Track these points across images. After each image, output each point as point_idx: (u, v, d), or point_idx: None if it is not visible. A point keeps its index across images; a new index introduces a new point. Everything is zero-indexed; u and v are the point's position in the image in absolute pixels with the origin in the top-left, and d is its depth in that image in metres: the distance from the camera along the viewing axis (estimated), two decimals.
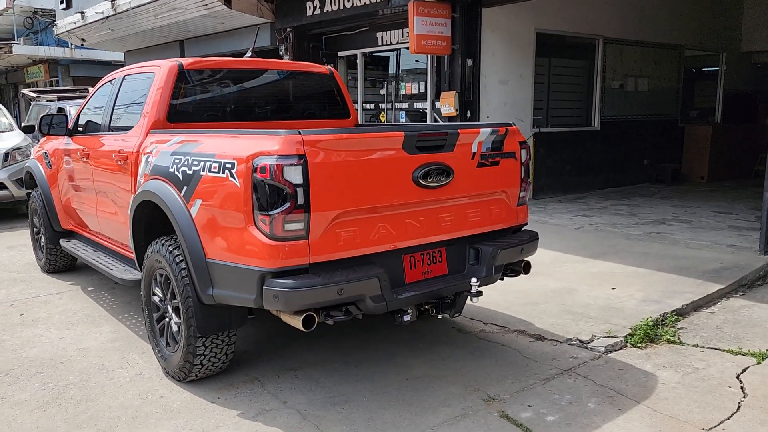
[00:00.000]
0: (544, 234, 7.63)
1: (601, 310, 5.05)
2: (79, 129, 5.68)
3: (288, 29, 11.63)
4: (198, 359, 3.73)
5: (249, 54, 5.10)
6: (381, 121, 11.20)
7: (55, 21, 18.75)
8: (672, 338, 4.52)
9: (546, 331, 4.71)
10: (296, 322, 3.22)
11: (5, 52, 23.69)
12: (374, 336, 4.66)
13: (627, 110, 11.82)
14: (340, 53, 11.84)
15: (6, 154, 9.60)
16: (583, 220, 8.45)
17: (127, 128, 4.63)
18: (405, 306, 3.52)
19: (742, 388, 3.79)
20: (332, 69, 5.30)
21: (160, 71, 4.49)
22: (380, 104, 11.24)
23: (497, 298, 5.40)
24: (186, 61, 4.55)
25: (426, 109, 10.03)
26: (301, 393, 3.80)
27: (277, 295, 3.11)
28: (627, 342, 4.46)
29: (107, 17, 14.39)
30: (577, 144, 10.94)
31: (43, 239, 6.53)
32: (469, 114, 9.03)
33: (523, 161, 4.09)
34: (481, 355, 4.33)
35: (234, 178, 3.25)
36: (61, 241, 6.10)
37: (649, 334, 4.53)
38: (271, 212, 3.08)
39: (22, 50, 23.48)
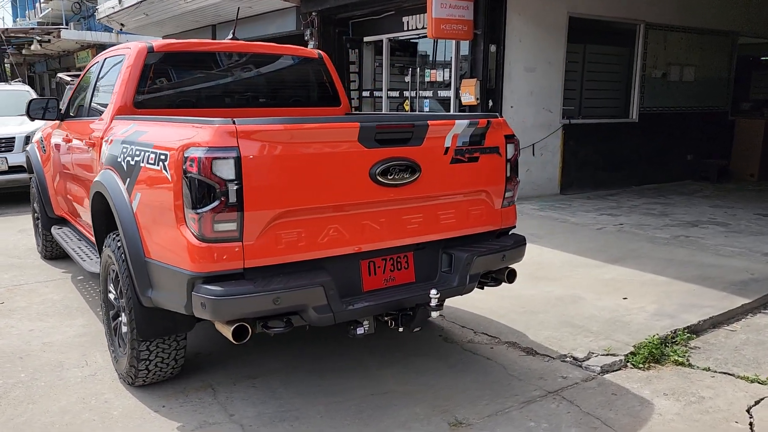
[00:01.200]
0: (561, 234, 7.15)
1: (606, 323, 4.56)
2: (71, 114, 5.51)
3: (313, 13, 11.29)
4: (143, 364, 3.46)
5: (230, 37, 4.79)
6: (405, 110, 10.78)
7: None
8: (680, 359, 4.02)
9: (539, 344, 4.27)
10: (227, 333, 2.90)
11: (54, 37, 24.21)
12: (348, 341, 4.31)
13: (670, 101, 11.05)
14: (366, 39, 11.45)
15: (27, 138, 9.62)
16: (607, 219, 7.87)
17: (101, 113, 4.41)
18: (357, 317, 3.16)
19: (750, 424, 3.29)
20: (321, 53, 4.94)
21: (129, 53, 4.23)
22: (405, 92, 10.81)
23: (494, 304, 4.98)
24: (157, 42, 4.27)
25: (450, 97, 9.56)
26: (253, 405, 3.49)
27: (204, 302, 2.80)
28: (628, 362, 3.99)
29: (141, 2, 14.38)
30: (613, 137, 10.28)
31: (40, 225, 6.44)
32: (491, 103, 8.53)
33: (509, 157, 3.66)
34: (462, 370, 3.93)
35: (166, 170, 2.95)
36: (53, 228, 5.97)
37: (655, 353, 4.04)
38: (199, 210, 2.76)
39: (70, 35, 23.95)
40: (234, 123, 2.77)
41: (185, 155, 2.80)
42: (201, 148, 2.74)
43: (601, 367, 3.90)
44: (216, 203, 2.75)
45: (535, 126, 9.08)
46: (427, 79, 10.24)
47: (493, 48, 8.34)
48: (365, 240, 3.17)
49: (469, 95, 8.37)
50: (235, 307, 2.80)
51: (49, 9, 27.46)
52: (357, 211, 3.11)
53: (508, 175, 3.66)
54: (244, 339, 2.90)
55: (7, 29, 25.36)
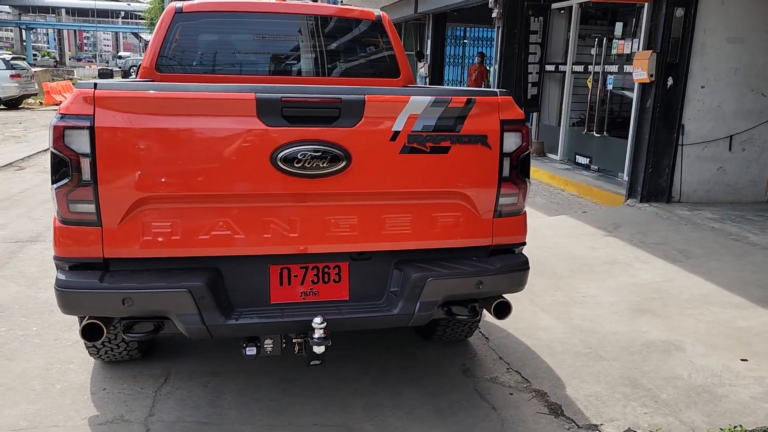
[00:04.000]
0: (720, 255, 5.46)
1: (687, 391, 3.27)
2: None
3: None
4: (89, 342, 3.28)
5: None
6: (587, 87, 9.34)
7: None
8: None
9: (572, 403, 3.21)
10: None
11: None
12: (353, 351, 3.71)
13: None
14: (555, 5, 10.12)
15: None
16: None
17: None
18: (242, 335, 2.56)
19: None
20: (382, 14, 4.26)
21: (162, 14, 4.05)
22: (590, 66, 9.35)
23: (558, 336, 3.94)
24: (187, 3, 4.02)
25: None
26: (182, 408, 3.12)
27: (55, 292, 2.47)
28: None
29: None
30: None
31: None
32: (671, 81, 6.85)
33: (508, 150, 2.67)
34: (446, 417, 3.10)
35: None
36: None
37: None
38: (54, 187, 2.42)
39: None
40: (94, 88, 2.35)
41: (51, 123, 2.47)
42: (58, 115, 2.38)
43: None
44: (67, 180, 2.37)
45: (737, 113, 7.12)
46: (613, 52, 8.71)
47: (679, 12, 6.64)
48: (270, 242, 2.54)
49: (641, 71, 6.82)
50: (75, 303, 2.43)
51: None
52: (255, 204, 2.50)
53: (506, 174, 2.68)
54: (97, 339, 2.51)
55: None
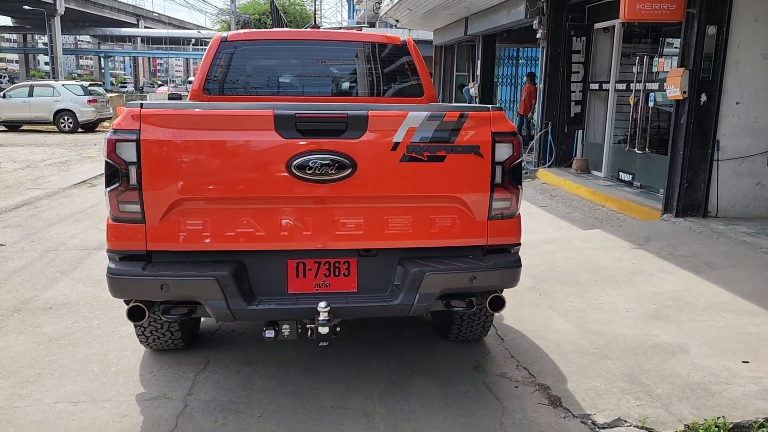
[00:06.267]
0: (747, 268, 5.59)
1: (682, 387, 3.44)
2: None
3: (542, 0, 10.55)
4: (139, 329, 3.74)
5: (311, 25, 4.78)
6: (629, 104, 9.44)
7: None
8: None
9: (571, 395, 3.44)
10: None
11: None
12: (379, 345, 4.05)
13: None
14: (597, 25, 10.28)
15: None
16: None
17: None
18: (261, 319, 2.95)
19: None
20: (406, 39, 4.64)
21: (210, 43, 4.56)
22: (631, 84, 9.44)
23: (570, 336, 4.17)
24: (231, 33, 4.51)
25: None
26: (217, 389, 3.53)
27: (106, 278, 2.92)
28: None
29: None
30: None
31: None
32: (704, 98, 6.93)
33: (500, 159, 2.98)
34: (453, 404, 3.39)
35: None
36: None
37: None
38: (107, 190, 2.88)
39: (366, 31, 26.43)
40: (141, 107, 2.81)
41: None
42: (111, 130, 2.85)
43: None
44: (117, 184, 2.83)
45: None
46: (654, 69, 8.80)
47: (711, 30, 6.74)
48: (287, 239, 2.93)
49: (674, 88, 6.94)
50: (122, 287, 2.87)
51: (362, 11, 30.70)
52: (274, 206, 2.89)
53: (498, 181, 2.99)
54: (141, 320, 2.94)
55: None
